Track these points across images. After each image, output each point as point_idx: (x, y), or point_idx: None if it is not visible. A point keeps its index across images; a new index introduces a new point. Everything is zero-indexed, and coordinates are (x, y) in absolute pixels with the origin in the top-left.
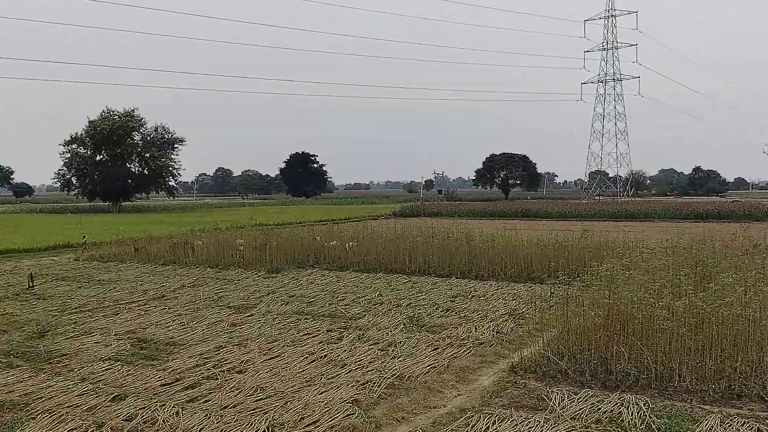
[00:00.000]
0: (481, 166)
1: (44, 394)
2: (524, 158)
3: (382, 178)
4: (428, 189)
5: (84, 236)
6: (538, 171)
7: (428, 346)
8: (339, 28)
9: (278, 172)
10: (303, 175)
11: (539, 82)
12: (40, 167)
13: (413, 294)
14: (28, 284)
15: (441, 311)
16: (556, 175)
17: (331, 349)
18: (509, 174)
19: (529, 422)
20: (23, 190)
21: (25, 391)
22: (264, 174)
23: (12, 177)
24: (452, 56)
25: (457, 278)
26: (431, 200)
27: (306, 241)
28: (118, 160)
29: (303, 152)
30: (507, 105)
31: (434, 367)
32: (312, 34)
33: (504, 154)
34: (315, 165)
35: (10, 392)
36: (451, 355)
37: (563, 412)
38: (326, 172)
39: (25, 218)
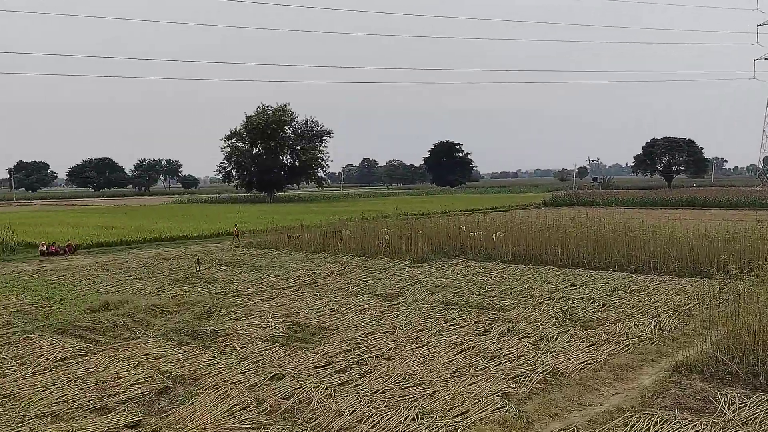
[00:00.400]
0: (640, 151)
1: (211, 371)
2: (689, 142)
3: (530, 166)
4: (581, 177)
5: (236, 225)
6: (705, 156)
7: (583, 341)
8: (486, 12)
9: (422, 162)
10: (447, 164)
11: (706, 60)
12: (205, 161)
13: (566, 287)
14: (196, 268)
15: (597, 306)
16: (726, 161)
17: (480, 341)
18: (672, 160)
19: (695, 425)
20: (190, 182)
21: (195, 367)
22: (408, 164)
23: (180, 170)
24: (610, 36)
25: (615, 271)
26: (585, 188)
27: (451, 230)
28: (271, 153)
29: (448, 141)
30: (670, 86)
31: (590, 363)
32: (453, 20)
33: (666, 138)
34: (460, 154)
35: (182, 367)
36: (609, 351)
37: (733, 416)
38: (471, 160)
39: (192, 208)
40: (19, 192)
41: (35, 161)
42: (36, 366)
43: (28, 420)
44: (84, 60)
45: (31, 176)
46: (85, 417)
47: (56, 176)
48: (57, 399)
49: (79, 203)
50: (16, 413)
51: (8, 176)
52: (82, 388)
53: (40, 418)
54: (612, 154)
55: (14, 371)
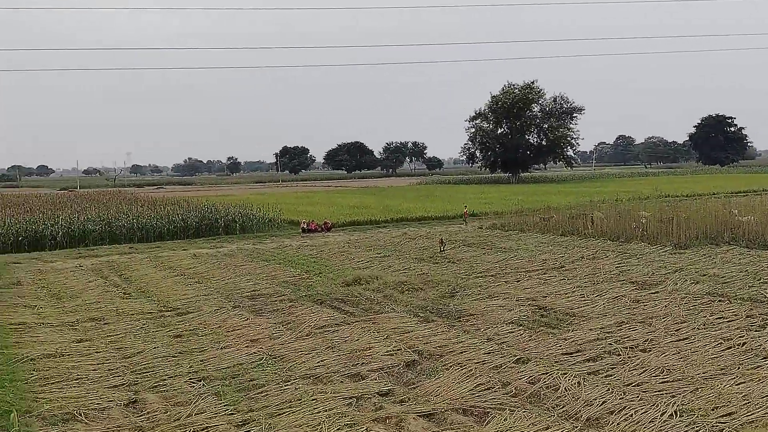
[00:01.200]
0: None
1: (455, 349)
2: None
3: None
4: None
5: (465, 206)
6: None
7: None
8: None
9: (687, 138)
10: (717, 140)
11: None
12: (449, 142)
13: None
14: (440, 248)
15: None
16: None
17: (752, 337)
18: None
19: None
20: (434, 164)
21: (440, 343)
22: (670, 141)
23: (425, 152)
24: None
25: None
26: None
27: (720, 214)
28: (517, 133)
29: (717, 114)
30: None
31: None
32: None
33: None
34: (732, 129)
35: (428, 343)
36: None
37: None
38: (746, 136)
39: (436, 189)
40: (284, 174)
41: (297, 146)
42: (300, 332)
43: (294, 380)
44: (343, 50)
45: (293, 160)
46: (341, 381)
47: (314, 160)
48: (317, 363)
49: (334, 184)
50: (283, 373)
51: (275, 160)
52: (339, 355)
53: (304, 379)
54: None
55: (282, 335)
